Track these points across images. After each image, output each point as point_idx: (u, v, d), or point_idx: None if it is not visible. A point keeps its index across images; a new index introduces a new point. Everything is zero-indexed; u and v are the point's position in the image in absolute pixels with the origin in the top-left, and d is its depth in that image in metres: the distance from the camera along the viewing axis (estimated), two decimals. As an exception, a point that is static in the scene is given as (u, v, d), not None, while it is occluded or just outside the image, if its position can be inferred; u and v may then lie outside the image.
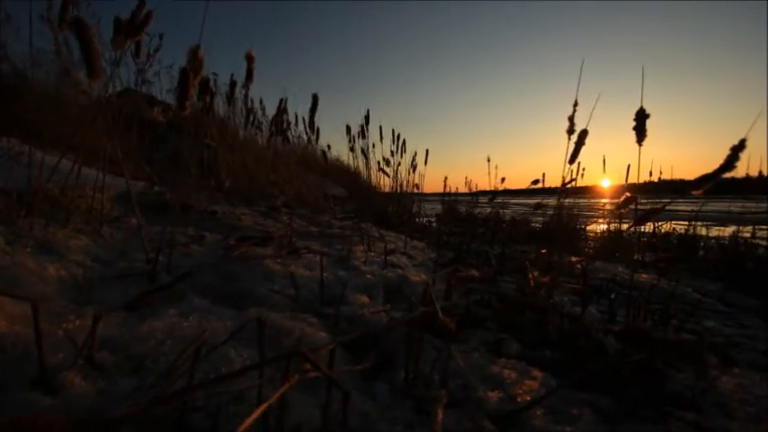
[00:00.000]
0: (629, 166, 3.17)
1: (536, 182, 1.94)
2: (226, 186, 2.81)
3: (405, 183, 3.52)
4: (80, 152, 1.28)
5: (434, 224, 3.46)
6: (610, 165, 3.35)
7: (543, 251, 1.62)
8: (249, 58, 1.08)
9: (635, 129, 0.93)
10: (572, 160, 1.24)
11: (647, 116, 0.92)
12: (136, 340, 0.67)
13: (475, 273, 1.41)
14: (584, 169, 3.63)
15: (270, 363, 0.44)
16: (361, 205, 3.58)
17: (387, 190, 4.05)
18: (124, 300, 0.89)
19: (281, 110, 2.00)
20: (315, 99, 1.67)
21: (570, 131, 1.12)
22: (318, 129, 2.84)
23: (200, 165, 2.90)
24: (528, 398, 0.70)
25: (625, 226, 3.38)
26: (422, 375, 0.74)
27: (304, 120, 3.14)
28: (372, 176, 3.67)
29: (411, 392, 0.67)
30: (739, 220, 2.45)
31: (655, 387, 0.83)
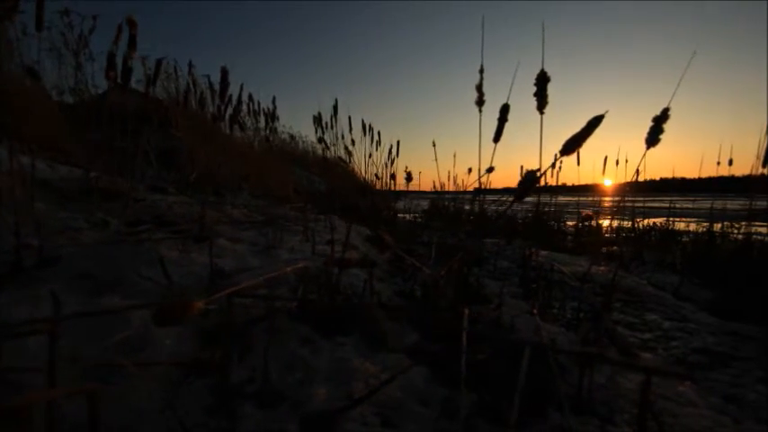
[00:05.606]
0: (605, 157, 3.04)
1: (491, 170, 1.83)
2: (192, 178, 2.73)
3: (369, 177, 3.42)
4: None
5: (407, 218, 3.37)
6: (618, 164, 3.21)
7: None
8: (131, 24, 0.98)
9: (535, 95, 0.83)
10: (496, 139, 1.14)
11: (548, 80, 0.82)
12: None
13: (354, 256, 1.31)
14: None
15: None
16: (333, 198, 3.49)
17: (379, 187, 3.97)
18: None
19: (230, 98, 1.91)
20: (224, 72, 1.58)
21: (479, 102, 1.01)
22: (271, 114, 2.74)
23: (165, 156, 2.83)
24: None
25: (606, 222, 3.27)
26: (260, 369, 0.65)
27: (267, 110, 3.05)
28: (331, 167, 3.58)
29: (221, 389, 0.58)
30: (733, 217, 2.31)
31: (541, 385, 0.73)
